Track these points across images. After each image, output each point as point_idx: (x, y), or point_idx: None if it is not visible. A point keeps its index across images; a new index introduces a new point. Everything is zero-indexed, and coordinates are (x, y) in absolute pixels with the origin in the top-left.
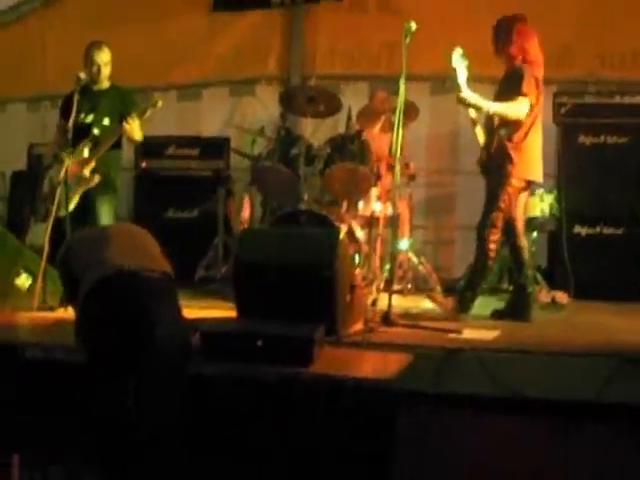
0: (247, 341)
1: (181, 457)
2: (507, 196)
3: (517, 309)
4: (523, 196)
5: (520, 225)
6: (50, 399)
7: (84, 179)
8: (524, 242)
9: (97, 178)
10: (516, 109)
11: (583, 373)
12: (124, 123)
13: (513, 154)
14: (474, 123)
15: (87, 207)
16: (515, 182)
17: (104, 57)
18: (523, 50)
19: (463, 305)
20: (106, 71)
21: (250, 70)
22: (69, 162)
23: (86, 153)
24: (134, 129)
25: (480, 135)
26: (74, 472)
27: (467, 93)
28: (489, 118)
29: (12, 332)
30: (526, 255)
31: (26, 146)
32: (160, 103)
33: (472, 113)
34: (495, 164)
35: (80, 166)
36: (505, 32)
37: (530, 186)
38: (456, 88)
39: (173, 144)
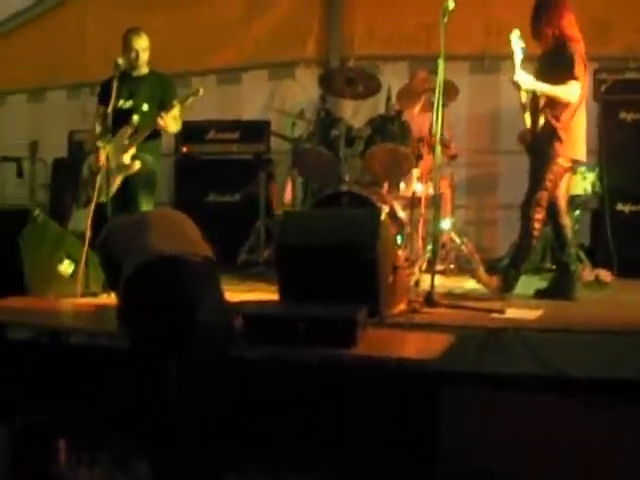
0: (289, 324)
1: (223, 440)
2: (553, 175)
3: (560, 288)
4: (567, 175)
5: (562, 204)
6: (94, 384)
7: (124, 165)
8: (567, 221)
9: (137, 165)
10: (569, 92)
11: (626, 351)
12: (158, 119)
13: (561, 134)
14: (524, 108)
15: (127, 193)
16: (562, 161)
17: (142, 43)
18: (566, 27)
19: (507, 284)
20: (144, 57)
21: (289, 53)
22: (109, 148)
23: (126, 139)
24: (168, 124)
25: (527, 118)
26: (120, 456)
27: (522, 76)
28: (534, 98)
29: (56, 318)
30: (569, 234)
31: (67, 133)
32: (201, 91)
33: (523, 97)
34: (541, 144)
35: (120, 152)
36: (547, 9)
37: (575, 166)
38: (511, 70)
39: (213, 128)
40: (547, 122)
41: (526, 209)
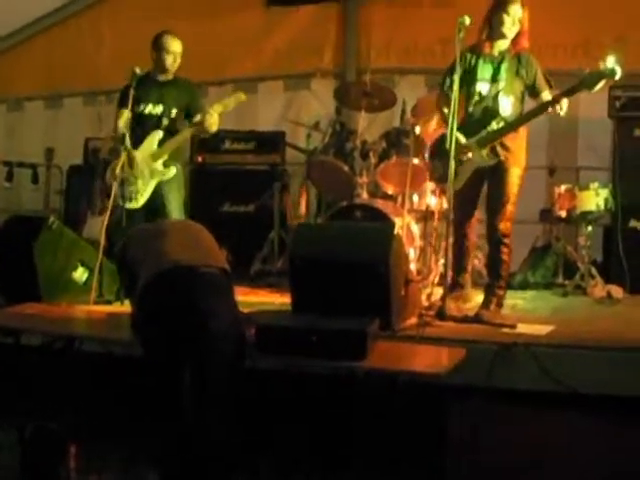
0: (301, 335)
1: (235, 449)
2: (516, 188)
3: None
4: None
5: None
6: (106, 392)
7: (158, 171)
8: None
9: (173, 171)
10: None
11: (637, 368)
12: (207, 116)
13: (516, 144)
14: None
15: (158, 200)
16: (520, 171)
17: (179, 47)
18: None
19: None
20: (179, 61)
21: (305, 64)
22: (136, 153)
23: (155, 144)
24: (216, 122)
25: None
26: (130, 464)
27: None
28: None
29: (69, 326)
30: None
31: (82, 140)
32: (244, 97)
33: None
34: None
35: (151, 158)
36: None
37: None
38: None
39: (229, 138)
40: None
41: (501, 225)
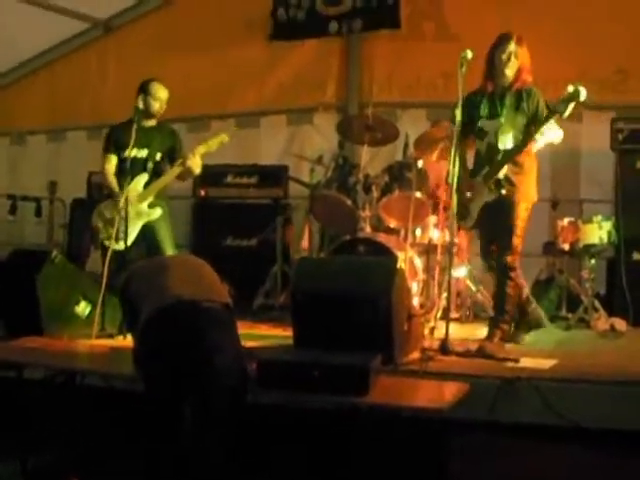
0: (304, 370)
1: None
2: (521, 221)
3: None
4: None
5: None
6: (108, 426)
7: (144, 213)
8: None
9: (159, 212)
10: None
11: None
12: (190, 157)
13: (524, 179)
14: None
15: (150, 241)
16: (528, 205)
17: (165, 94)
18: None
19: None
20: (165, 107)
21: (308, 98)
22: (130, 194)
23: (141, 187)
24: (199, 163)
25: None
26: None
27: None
28: (493, 147)
29: (71, 359)
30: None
31: (86, 174)
32: (227, 138)
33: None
34: (506, 191)
35: (137, 200)
36: (527, 53)
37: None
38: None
39: (232, 172)
40: (513, 166)
41: (506, 259)
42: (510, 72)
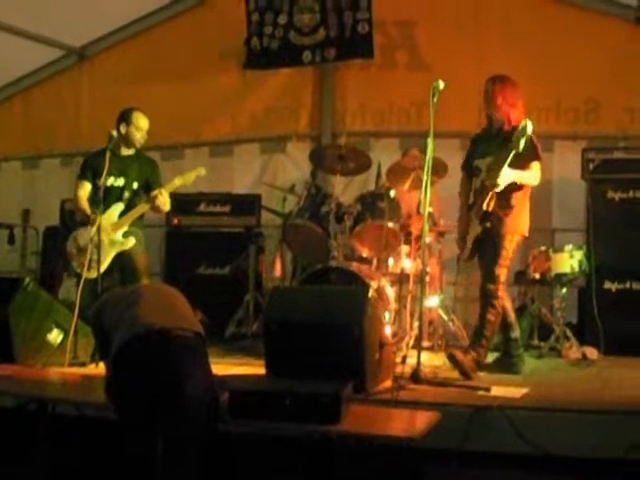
0: (275, 399)
1: None
2: (507, 252)
3: (503, 368)
4: None
5: None
6: (80, 454)
7: (118, 242)
8: (508, 303)
9: (132, 241)
10: (538, 176)
11: (612, 430)
12: (158, 196)
13: (513, 211)
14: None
15: (125, 269)
16: (516, 237)
17: (146, 124)
18: (521, 109)
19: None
20: (146, 137)
21: (281, 127)
22: (104, 223)
23: (116, 216)
24: (167, 201)
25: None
26: None
27: (507, 172)
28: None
29: (43, 388)
30: (511, 315)
31: (59, 201)
32: (203, 171)
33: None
34: (494, 222)
35: (112, 229)
36: (510, 91)
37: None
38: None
39: (204, 201)
40: (500, 201)
41: (488, 286)
42: (491, 111)
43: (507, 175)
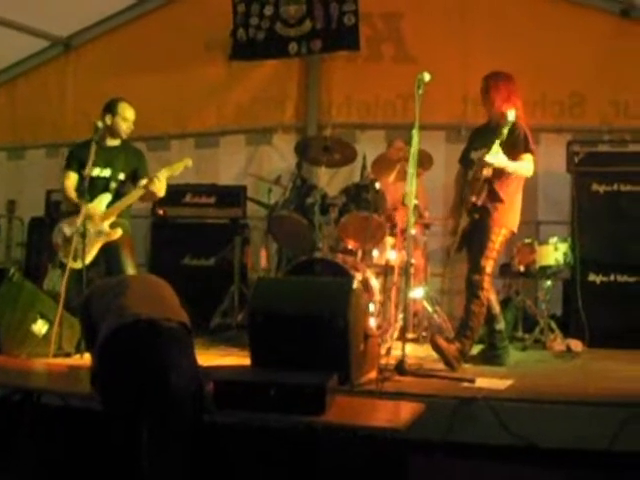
0: (260, 390)
1: None
2: (493, 244)
3: (488, 359)
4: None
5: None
6: (65, 445)
7: (105, 233)
8: (493, 295)
9: (119, 232)
10: (530, 167)
11: (596, 422)
12: (155, 181)
13: (503, 205)
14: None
15: (111, 259)
16: (504, 231)
17: (133, 114)
18: (517, 104)
19: (462, 354)
20: (132, 128)
21: (267, 119)
22: (88, 214)
23: (103, 206)
24: (163, 187)
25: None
26: None
27: (500, 156)
28: (478, 170)
29: (27, 378)
30: (495, 307)
31: (44, 192)
32: (190, 162)
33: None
34: (483, 214)
35: (99, 219)
36: (501, 84)
37: (510, 237)
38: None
39: (190, 192)
40: (490, 193)
41: (473, 277)
42: (487, 106)
43: (497, 155)
